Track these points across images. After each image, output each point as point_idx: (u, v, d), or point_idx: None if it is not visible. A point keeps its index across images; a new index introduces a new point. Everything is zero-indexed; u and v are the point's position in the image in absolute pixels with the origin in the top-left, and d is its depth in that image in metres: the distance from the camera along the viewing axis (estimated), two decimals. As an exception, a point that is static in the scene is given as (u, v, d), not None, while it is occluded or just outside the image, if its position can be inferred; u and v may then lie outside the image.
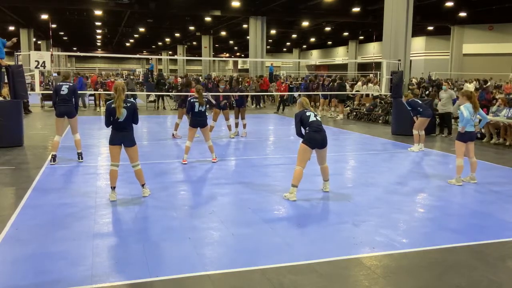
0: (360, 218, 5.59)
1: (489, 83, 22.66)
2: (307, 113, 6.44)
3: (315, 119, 6.40)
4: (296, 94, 22.46)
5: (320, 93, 18.78)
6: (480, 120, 7.85)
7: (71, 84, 8.60)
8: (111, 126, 6.13)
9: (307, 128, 6.36)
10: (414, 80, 23.84)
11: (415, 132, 10.34)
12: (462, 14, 29.93)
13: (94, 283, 3.82)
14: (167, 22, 37.01)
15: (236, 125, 12.53)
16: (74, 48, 60.17)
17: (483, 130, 11.65)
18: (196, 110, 8.48)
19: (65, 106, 8.40)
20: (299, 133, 6.50)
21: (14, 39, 10.63)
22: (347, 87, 20.87)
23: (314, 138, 6.30)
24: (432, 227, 5.37)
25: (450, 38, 35.29)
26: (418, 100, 10.51)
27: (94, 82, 21.74)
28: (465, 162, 7.38)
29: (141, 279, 3.90)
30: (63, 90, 8.36)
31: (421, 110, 10.24)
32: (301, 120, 6.42)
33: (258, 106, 22.85)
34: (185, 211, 5.87)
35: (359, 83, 20.69)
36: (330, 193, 6.71)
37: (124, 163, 6.83)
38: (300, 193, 6.40)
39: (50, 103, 20.32)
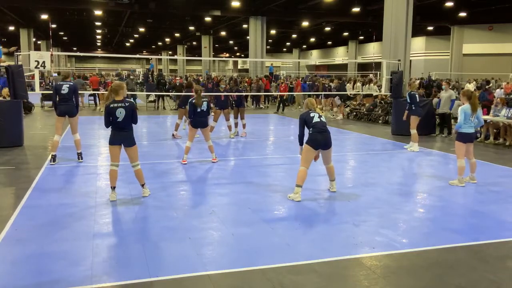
0: (360, 218, 5.59)
1: (491, 84, 22.66)
2: (311, 114, 6.44)
3: (319, 120, 6.39)
4: (296, 94, 22.50)
5: (321, 93, 18.79)
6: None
7: (71, 83, 8.67)
8: (111, 127, 6.14)
9: (310, 129, 6.37)
10: (416, 82, 23.79)
11: (413, 131, 10.33)
12: (462, 14, 29.89)
13: (94, 283, 3.82)
14: (167, 22, 36.98)
15: (236, 125, 12.53)
16: (74, 48, 60.15)
17: (480, 130, 11.66)
18: (198, 110, 8.46)
19: (66, 105, 8.45)
20: (299, 136, 6.50)
21: (13, 48, 10.94)
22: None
23: (316, 139, 6.30)
24: (432, 227, 5.37)
25: (450, 38, 35.26)
26: (417, 96, 10.52)
27: (96, 82, 21.77)
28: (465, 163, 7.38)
29: (141, 279, 3.90)
30: (63, 90, 8.41)
31: (413, 107, 10.30)
32: (305, 122, 6.42)
33: (258, 106, 22.87)
34: (185, 211, 5.87)
35: (348, 84, 20.57)
36: (331, 193, 6.71)
37: (124, 163, 6.84)
38: (301, 193, 6.39)
39: (50, 103, 20.40)
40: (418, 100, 10.49)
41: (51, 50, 35.78)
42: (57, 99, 8.48)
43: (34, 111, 18.89)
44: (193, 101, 8.46)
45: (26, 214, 5.62)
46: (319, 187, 6.99)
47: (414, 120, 10.32)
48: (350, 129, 14.49)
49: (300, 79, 24.96)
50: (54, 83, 19.09)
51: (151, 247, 4.59)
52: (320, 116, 6.45)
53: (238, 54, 65.09)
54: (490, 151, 10.72)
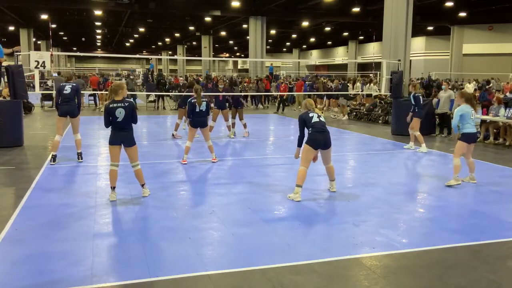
0: (360, 218, 5.59)
1: (491, 84, 22.63)
2: (310, 114, 6.47)
3: (318, 120, 6.42)
4: (296, 94, 22.50)
5: (323, 93, 18.78)
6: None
7: (74, 84, 8.83)
8: (110, 127, 6.14)
9: (310, 129, 6.38)
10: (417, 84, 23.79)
11: (417, 133, 10.32)
12: (462, 14, 29.91)
13: (94, 283, 3.82)
14: (167, 22, 36.99)
15: (233, 125, 12.49)
16: (74, 48, 60.15)
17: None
18: (197, 110, 8.47)
19: (68, 105, 8.56)
20: (299, 136, 6.51)
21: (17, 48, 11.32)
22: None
23: (316, 138, 6.31)
24: (432, 227, 5.37)
25: (450, 38, 35.28)
26: (421, 98, 10.55)
27: (96, 82, 21.80)
28: (461, 162, 7.37)
29: (141, 279, 3.90)
30: (66, 90, 8.57)
31: (417, 109, 10.32)
32: (304, 122, 6.44)
33: (258, 107, 22.85)
34: (185, 211, 5.87)
35: (349, 84, 20.57)
36: (331, 193, 6.71)
37: (124, 163, 6.84)
38: (301, 192, 6.39)
39: (50, 103, 20.41)
40: (421, 102, 10.51)
41: (51, 50, 35.77)
42: (59, 99, 8.61)
43: (34, 111, 18.89)
44: (193, 100, 8.47)
45: (26, 214, 5.62)
46: (319, 187, 6.99)
47: (417, 122, 10.31)
48: (350, 129, 14.49)
49: (289, 83, 24.95)
50: (54, 83, 19.25)
51: (151, 247, 4.59)
52: (319, 116, 6.49)
53: (238, 54, 65.07)
54: (490, 151, 10.72)
